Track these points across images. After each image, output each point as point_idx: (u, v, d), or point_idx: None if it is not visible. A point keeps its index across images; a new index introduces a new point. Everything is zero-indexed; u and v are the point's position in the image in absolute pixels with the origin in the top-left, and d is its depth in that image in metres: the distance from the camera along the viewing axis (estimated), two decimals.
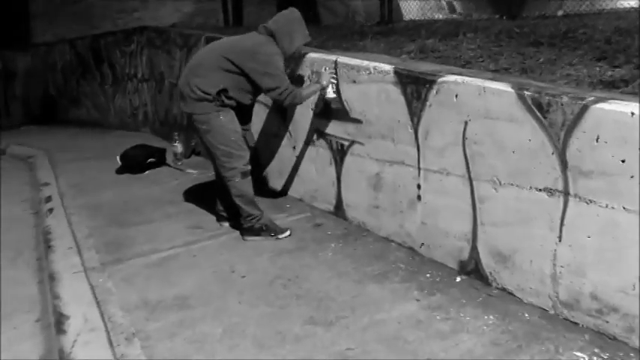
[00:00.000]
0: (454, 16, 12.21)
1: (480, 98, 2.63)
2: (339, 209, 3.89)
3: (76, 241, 3.78)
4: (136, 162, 5.77)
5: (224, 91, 3.38)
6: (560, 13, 5.89)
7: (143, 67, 8.05)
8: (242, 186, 3.50)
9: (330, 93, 3.62)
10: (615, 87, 2.68)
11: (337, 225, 3.76)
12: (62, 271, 3.31)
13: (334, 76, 3.62)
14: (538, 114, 2.37)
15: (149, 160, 5.85)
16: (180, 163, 5.88)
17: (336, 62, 3.65)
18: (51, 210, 4.65)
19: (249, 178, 3.55)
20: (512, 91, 2.47)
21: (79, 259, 3.46)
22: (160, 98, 7.56)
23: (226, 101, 3.41)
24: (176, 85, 5.29)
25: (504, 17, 5.65)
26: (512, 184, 2.55)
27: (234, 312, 2.66)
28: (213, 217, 4.00)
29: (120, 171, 5.76)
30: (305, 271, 3.07)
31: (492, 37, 4.16)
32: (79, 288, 3.03)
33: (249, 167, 3.55)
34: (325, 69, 3.66)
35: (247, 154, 3.57)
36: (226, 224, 3.86)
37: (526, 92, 2.42)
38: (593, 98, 2.20)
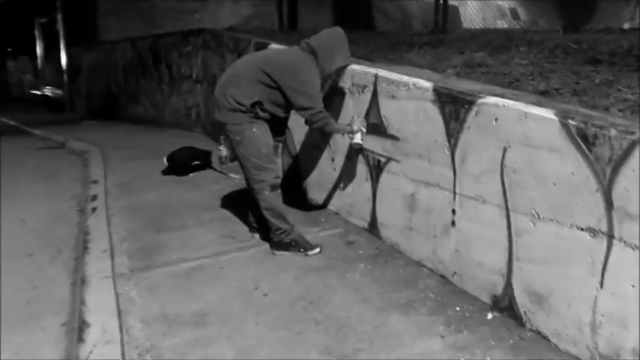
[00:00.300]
0: (518, 22, 11.75)
1: (520, 124, 2.44)
2: (373, 227, 3.76)
3: (111, 244, 3.85)
4: (181, 163, 5.85)
5: (258, 103, 3.33)
6: (627, 26, 5.50)
7: (198, 68, 8.19)
8: (271, 199, 3.45)
9: (358, 139, 3.54)
10: None
11: (369, 244, 3.63)
12: (92, 275, 3.36)
13: (365, 124, 3.56)
14: (583, 146, 2.16)
15: (194, 163, 5.92)
16: (224, 167, 5.90)
17: (376, 76, 3.52)
18: (94, 209, 4.77)
19: (279, 191, 3.49)
20: (556, 118, 2.27)
21: (110, 263, 3.50)
22: (211, 99, 7.64)
23: (260, 113, 3.36)
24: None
25: (567, 28, 5.32)
26: (551, 220, 2.34)
27: (250, 334, 2.59)
28: (247, 227, 3.97)
29: (166, 172, 5.85)
30: (329, 293, 2.97)
31: (546, 52, 3.90)
32: (105, 295, 3.06)
33: (279, 180, 3.49)
34: (357, 116, 3.60)
35: (277, 168, 3.51)
36: (257, 235, 3.81)
37: (570, 121, 2.21)
38: None
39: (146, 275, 3.29)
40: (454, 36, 5.45)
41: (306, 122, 3.43)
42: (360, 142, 3.55)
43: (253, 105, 3.32)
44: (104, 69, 11.82)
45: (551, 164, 2.31)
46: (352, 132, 3.53)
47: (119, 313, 2.83)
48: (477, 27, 9.53)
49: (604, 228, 2.11)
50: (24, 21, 14.64)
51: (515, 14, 12.40)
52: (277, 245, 3.52)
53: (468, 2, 10.58)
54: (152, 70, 9.85)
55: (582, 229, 2.20)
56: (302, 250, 3.50)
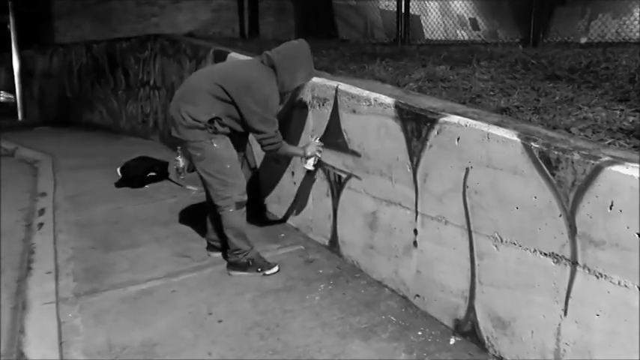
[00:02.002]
0: (478, 33, 11.91)
1: (482, 144, 2.38)
2: (333, 244, 3.65)
3: (56, 264, 3.61)
4: (135, 175, 5.62)
5: (217, 118, 3.18)
6: (583, 40, 5.59)
7: (155, 74, 7.95)
8: (234, 217, 3.28)
9: (310, 165, 3.51)
10: (636, 136, 2.41)
11: (330, 262, 3.52)
12: (34, 300, 3.13)
13: (320, 149, 3.50)
14: (546, 170, 2.10)
15: (149, 174, 5.70)
16: (182, 178, 5.67)
17: (336, 89, 3.42)
18: (41, 225, 4.51)
19: (244, 209, 3.33)
20: (518, 140, 2.21)
21: (55, 286, 3.27)
22: (167, 115, 7.44)
23: (220, 128, 3.21)
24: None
25: (525, 41, 5.36)
26: (514, 244, 2.28)
27: None
28: (204, 244, 3.80)
29: (119, 184, 5.60)
30: (287, 318, 2.83)
31: (507, 67, 3.89)
32: (46, 324, 2.84)
33: (245, 198, 3.33)
34: (316, 139, 3.53)
35: (244, 183, 3.35)
36: (217, 254, 3.64)
37: (533, 144, 2.15)
38: (608, 159, 1.93)
39: (92, 300, 3.08)
40: (416, 47, 5.42)
41: (261, 146, 3.30)
42: (311, 168, 3.52)
43: (211, 121, 3.17)
44: (58, 74, 11.39)
45: (513, 187, 2.25)
46: (305, 156, 3.46)
47: (60, 344, 2.63)
48: (439, 37, 9.61)
49: (567, 254, 2.06)
50: None
51: (475, 25, 12.58)
52: (234, 266, 3.37)
53: (430, 12, 10.68)
54: (108, 75, 9.53)
55: (545, 255, 2.15)
56: (260, 269, 3.36)
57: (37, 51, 12.15)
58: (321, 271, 3.39)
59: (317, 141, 3.51)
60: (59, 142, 8.63)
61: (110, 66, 9.41)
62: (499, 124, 2.39)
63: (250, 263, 3.35)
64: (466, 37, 11.58)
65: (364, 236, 3.31)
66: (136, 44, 8.54)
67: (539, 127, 2.39)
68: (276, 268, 3.39)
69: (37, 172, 6.79)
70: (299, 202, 4.01)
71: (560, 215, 2.07)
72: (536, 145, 2.14)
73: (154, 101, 8.07)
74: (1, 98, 14.07)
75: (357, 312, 2.88)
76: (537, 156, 2.13)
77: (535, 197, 2.15)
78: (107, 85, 9.60)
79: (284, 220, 4.23)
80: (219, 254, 3.64)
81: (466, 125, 2.47)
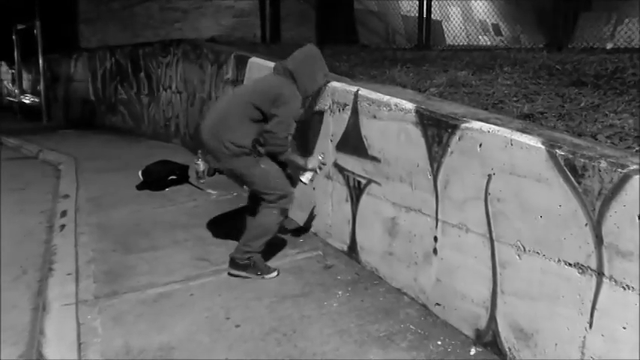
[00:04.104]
0: (500, 39, 11.79)
1: (505, 151, 2.33)
2: (352, 250, 3.62)
3: (77, 266, 3.65)
4: (156, 178, 5.66)
5: (256, 140, 3.24)
6: (609, 46, 5.48)
7: (177, 79, 8.03)
8: (272, 219, 3.31)
9: (306, 179, 3.45)
10: None
11: (348, 268, 3.49)
12: (54, 301, 3.15)
13: (321, 167, 3.47)
14: (571, 178, 2.05)
15: (170, 177, 5.74)
16: (202, 182, 5.72)
17: (356, 94, 3.40)
18: (62, 227, 4.56)
19: (283, 218, 3.40)
20: (543, 147, 2.16)
21: (75, 288, 3.30)
22: (191, 111, 7.50)
23: (262, 150, 3.27)
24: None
25: (549, 46, 5.28)
26: (538, 253, 2.23)
27: None
28: (222, 248, 3.80)
29: (140, 187, 5.65)
30: (304, 324, 2.81)
31: (531, 72, 3.83)
32: (66, 325, 2.86)
33: (290, 206, 3.41)
34: (321, 155, 3.48)
35: (292, 191, 3.41)
36: None
37: (558, 151, 2.10)
38: (636, 167, 1.87)
39: (111, 302, 3.10)
40: (438, 53, 5.37)
41: (263, 142, 3.27)
42: (307, 182, 3.46)
43: (254, 144, 3.22)
44: (83, 77, 11.58)
45: (537, 195, 2.20)
46: (304, 169, 3.42)
47: (79, 345, 2.64)
48: (461, 43, 9.53)
49: (593, 265, 2.00)
50: (2, 27, 14.29)
51: (497, 30, 12.48)
52: (236, 265, 3.35)
53: (452, 18, 10.61)
54: (131, 79, 9.66)
55: (570, 265, 2.09)
56: (259, 272, 3.35)
57: (62, 55, 12.38)
58: (339, 277, 3.37)
59: (320, 157, 3.46)
60: (82, 145, 8.75)
61: (133, 70, 9.54)
62: (523, 131, 2.34)
63: (252, 265, 3.34)
64: (488, 43, 11.49)
65: (383, 242, 3.28)
66: (159, 49, 8.64)
67: (565, 134, 2.34)
68: (275, 273, 3.38)
69: (60, 174, 6.89)
70: (318, 207, 3.99)
71: (586, 224, 2.01)
72: (562, 153, 2.09)
73: (175, 105, 8.14)
74: (27, 101, 14.36)
75: (376, 320, 2.84)
76: (562, 163, 2.07)
77: (560, 206, 2.10)
78: (130, 89, 9.73)
79: (305, 226, 4.20)
80: None
81: (489, 131, 2.43)
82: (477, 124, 2.51)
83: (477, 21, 11.67)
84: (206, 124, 3.33)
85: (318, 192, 3.95)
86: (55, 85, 12.93)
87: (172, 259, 3.71)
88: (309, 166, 3.41)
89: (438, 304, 2.84)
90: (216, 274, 3.45)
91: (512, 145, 2.30)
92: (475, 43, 10.71)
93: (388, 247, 3.23)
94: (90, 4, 12.49)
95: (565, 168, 2.07)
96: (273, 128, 3.18)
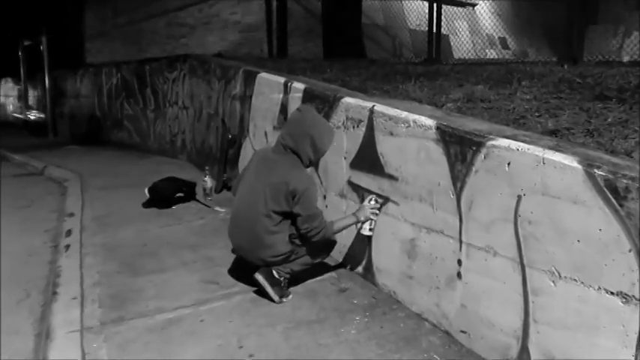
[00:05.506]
0: (507, 52, 11.73)
1: (537, 170, 2.20)
2: (368, 271, 3.48)
3: (82, 290, 3.51)
4: (163, 196, 5.54)
5: (291, 236, 3.18)
6: (626, 59, 5.36)
7: (184, 94, 7.96)
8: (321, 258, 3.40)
9: (367, 231, 3.25)
10: None
11: (365, 291, 3.34)
12: (58, 328, 3.02)
13: (377, 212, 3.21)
14: (612, 200, 1.91)
15: (177, 195, 5.62)
16: (209, 199, 5.61)
17: (372, 110, 3.28)
18: (67, 247, 4.44)
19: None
20: (580, 167, 2.03)
21: (80, 313, 3.16)
22: (198, 127, 7.41)
23: (298, 241, 3.21)
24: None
25: (564, 59, 5.17)
26: (575, 280, 2.08)
27: None
28: (232, 270, 3.66)
29: (147, 204, 5.53)
30: (322, 353, 2.66)
31: (550, 86, 3.71)
32: (70, 354, 2.72)
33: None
34: (370, 201, 3.21)
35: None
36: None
37: (597, 171, 1.97)
38: None
39: (118, 329, 2.95)
40: (451, 67, 5.27)
41: (305, 240, 3.19)
42: (369, 233, 3.27)
43: (292, 241, 3.18)
44: (89, 93, 11.55)
45: (574, 218, 2.06)
46: (360, 222, 3.25)
47: None
48: (468, 56, 9.46)
49: (638, 294, 1.86)
50: (8, 43, 14.33)
51: (504, 44, 12.41)
52: (268, 275, 3.21)
53: (459, 32, 10.55)
54: (137, 95, 9.60)
55: (612, 294, 1.94)
56: (281, 296, 3.22)
57: (68, 71, 12.37)
58: (355, 302, 3.22)
59: (371, 202, 3.21)
60: (88, 161, 8.67)
61: (139, 86, 9.49)
62: (555, 149, 2.20)
63: (282, 285, 3.23)
64: (495, 56, 11.42)
65: (401, 265, 3.13)
66: (165, 64, 8.59)
67: (600, 153, 2.20)
68: (290, 297, 3.27)
69: (65, 191, 6.80)
70: None
71: (630, 250, 1.87)
72: (601, 173, 1.95)
73: (182, 121, 8.06)
74: (32, 117, 14.34)
75: (397, 348, 2.68)
76: (602, 185, 1.94)
77: (600, 230, 1.96)
78: (136, 104, 9.67)
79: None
80: None
81: (518, 149, 2.29)
82: (504, 142, 2.38)
83: (484, 35, 11.60)
84: (242, 246, 3.32)
85: (331, 210, 3.81)
86: (61, 101, 12.91)
87: (181, 282, 3.57)
88: (362, 218, 3.21)
89: (462, 331, 2.69)
90: (226, 298, 3.30)
91: (544, 164, 2.17)
92: (482, 56, 10.63)
93: (407, 269, 3.08)
94: (96, 19, 12.53)
95: (605, 189, 1.93)
96: (305, 226, 3.08)
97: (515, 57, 10.87)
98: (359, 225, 3.28)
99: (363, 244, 3.50)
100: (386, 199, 3.23)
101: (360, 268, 3.55)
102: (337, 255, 3.80)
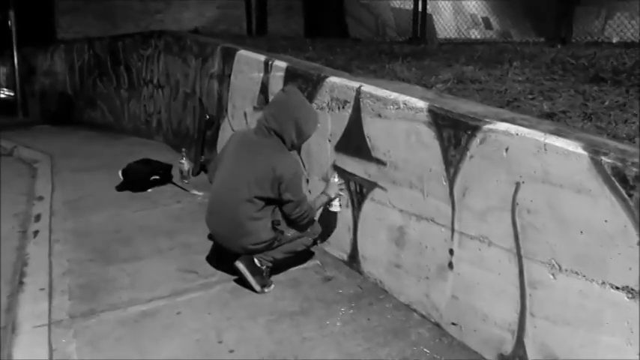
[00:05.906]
0: (490, 32, 11.61)
1: (538, 157, 2.06)
2: (353, 260, 3.34)
3: (50, 279, 3.30)
4: (138, 178, 5.31)
5: (275, 222, 3.03)
6: (615, 39, 5.27)
7: (159, 72, 7.64)
8: (305, 246, 3.24)
9: (336, 207, 3.24)
10: None
11: (350, 280, 3.20)
12: (25, 322, 2.82)
13: (343, 187, 3.25)
14: (620, 189, 1.79)
15: (153, 178, 5.39)
16: (186, 182, 5.40)
17: (358, 91, 3.11)
18: (36, 233, 4.20)
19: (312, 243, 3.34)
20: (585, 153, 1.90)
21: (48, 305, 2.97)
22: (174, 106, 7.14)
23: (283, 225, 3.07)
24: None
25: (553, 40, 5.05)
26: (576, 273, 1.96)
27: None
28: (210, 257, 3.49)
29: (121, 187, 5.29)
30: (306, 348, 2.52)
31: (543, 67, 3.58)
32: (37, 350, 2.53)
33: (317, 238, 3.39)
34: (335, 178, 3.21)
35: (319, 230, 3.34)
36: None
37: (604, 158, 1.84)
38: None
39: (88, 323, 2.77)
40: (438, 46, 5.11)
41: (290, 224, 3.10)
42: (339, 209, 3.27)
43: (274, 227, 3.02)
44: (60, 71, 11.09)
45: (577, 207, 1.93)
46: (330, 200, 3.21)
47: None
48: (452, 36, 9.30)
49: None
50: None
51: (487, 24, 12.27)
52: (249, 263, 3.04)
53: (442, 11, 10.36)
54: (110, 72, 9.22)
55: (617, 288, 1.83)
56: (263, 285, 3.07)
57: (38, 47, 11.86)
58: (340, 291, 3.08)
59: (335, 180, 3.21)
60: (59, 141, 8.33)
61: (112, 63, 9.11)
62: (557, 134, 2.07)
63: (264, 274, 3.08)
64: (479, 36, 11.29)
65: (389, 253, 3.00)
66: (140, 41, 8.22)
67: (606, 138, 2.08)
68: (272, 287, 3.12)
69: (35, 173, 6.50)
70: None
71: (638, 243, 1.75)
72: (608, 160, 1.82)
73: (157, 100, 7.76)
74: (2, 95, 13.81)
75: (385, 342, 2.56)
76: (610, 173, 1.81)
77: (605, 221, 1.84)
78: (109, 82, 9.30)
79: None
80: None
81: (517, 134, 2.15)
82: (502, 126, 2.24)
83: (468, 15, 11.45)
84: (220, 233, 3.16)
85: (314, 195, 3.65)
86: (31, 79, 12.40)
87: (156, 271, 3.39)
88: (332, 195, 3.19)
89: (453, 323, 2.57)
90: (204, 289, 3.14)
91: (545, 150, 2.03)
92: (466, 36, 10.49)
93: (395, 258, 2.95)
94: None
95: (613, 178, 1.80)
96: (296, 211, 2.99)
97: (498, 37, 10.76)
98: (330, 204, 3.25)
99: (328, 217, 3.44)
100: (372, 185, 3.08)
101: (344, 255, 3.41)
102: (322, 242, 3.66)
